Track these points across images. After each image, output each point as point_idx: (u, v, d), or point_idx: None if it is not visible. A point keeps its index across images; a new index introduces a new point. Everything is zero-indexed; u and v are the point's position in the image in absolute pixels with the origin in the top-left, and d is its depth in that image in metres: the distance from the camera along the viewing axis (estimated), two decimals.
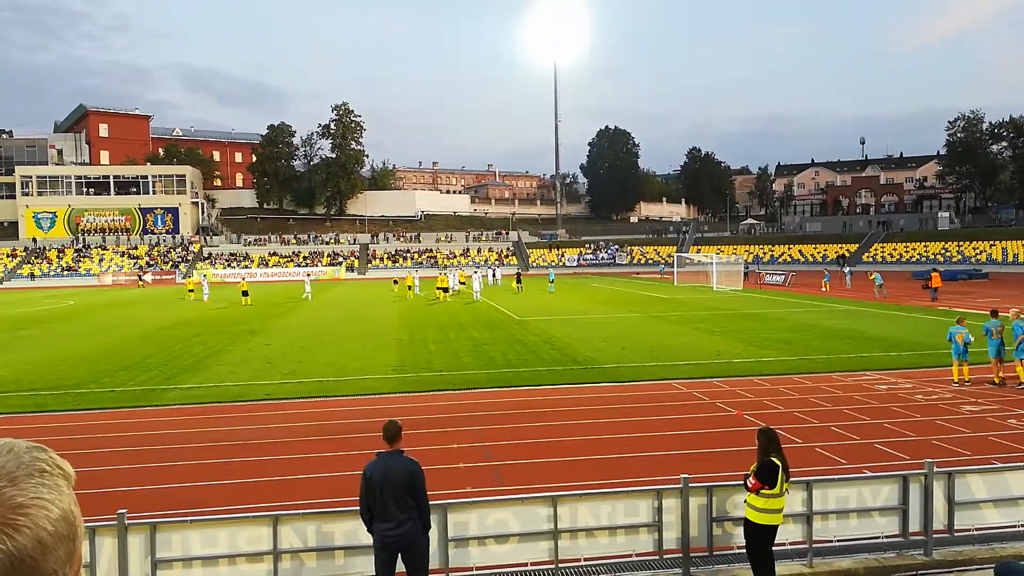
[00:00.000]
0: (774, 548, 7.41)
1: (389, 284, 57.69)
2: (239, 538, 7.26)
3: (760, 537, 7.26)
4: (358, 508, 6.69)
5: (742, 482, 7.49)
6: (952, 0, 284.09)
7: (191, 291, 50.06)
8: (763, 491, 7.11)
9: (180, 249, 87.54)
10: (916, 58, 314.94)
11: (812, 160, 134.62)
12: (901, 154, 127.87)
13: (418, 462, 6.68)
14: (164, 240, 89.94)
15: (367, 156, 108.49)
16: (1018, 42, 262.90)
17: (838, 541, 8.08)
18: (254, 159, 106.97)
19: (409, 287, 48.90)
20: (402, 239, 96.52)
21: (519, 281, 53.82)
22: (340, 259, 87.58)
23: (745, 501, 7.42)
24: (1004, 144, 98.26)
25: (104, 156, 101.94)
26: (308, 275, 56.93)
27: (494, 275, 62.22)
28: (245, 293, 43.77)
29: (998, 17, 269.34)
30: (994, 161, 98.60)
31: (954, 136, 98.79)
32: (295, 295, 50.59)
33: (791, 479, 7.45)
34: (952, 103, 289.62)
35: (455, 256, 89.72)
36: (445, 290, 44.88)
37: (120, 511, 7.07)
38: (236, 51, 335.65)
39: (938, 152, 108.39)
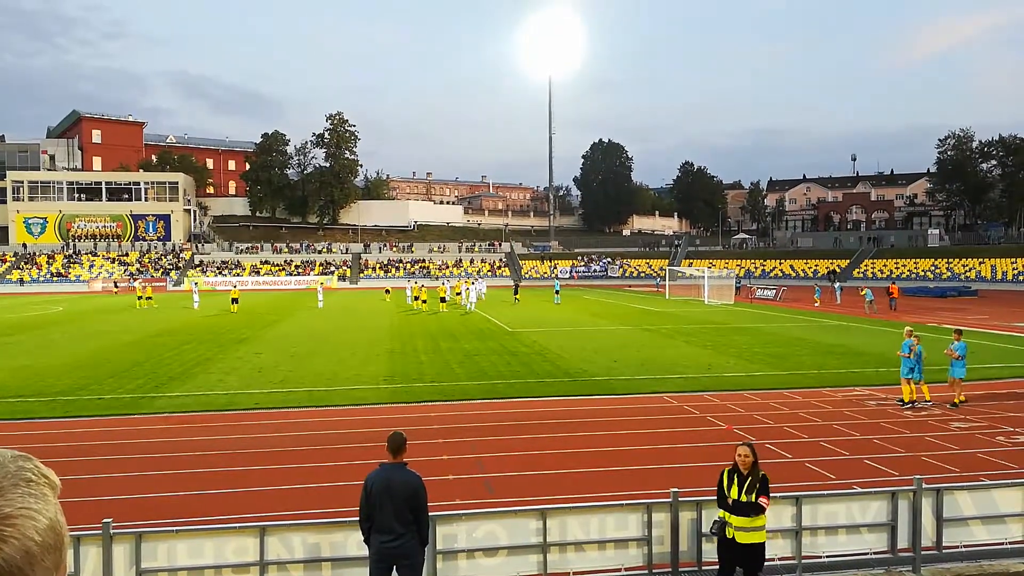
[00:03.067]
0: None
1: (381, 293, 57.60)
2: (226, 549, 7.20)
3: (758, 558, 7.13)
4: (346, 520, 6.66)
5: (726, 504, 7.07)
6: (943, 18, 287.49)
7: (140, 298, 48.58)
8: None
9: (171, 256, 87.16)
10: (907, 75, 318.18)
11: (804, 176, 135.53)
12: (892, 171, 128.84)
13: (421, 477, 6.64)
14: (155, 247, 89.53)
15: (361, 165, 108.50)
16: (1007, 61, 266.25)
17: (827, 557, 8.08)
18: (247, 167, 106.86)
19: (423, 300, 44.57)
20: (395, 249, 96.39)
21: (517, 292, 52.50)
22: (332, 268, 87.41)
23: (730, 524, 7.03)
24: (994, 163, 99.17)
25: (96, 162, 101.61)
26: (321, 285, 56.95)
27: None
28: (235, 300, 43.92)
29: (987, 36, 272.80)
30: (984, 179, 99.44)
31: (944, 154, 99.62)
32: (290, 305, 50.38)
33: (782, 495, 7.44)
34: (942, 121, 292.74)
35: (447, 267, 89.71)
36: (443, 299, 44.83)
37: (105, 520, 7.01)
38: (231, 59, 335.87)
39: (928, 169, 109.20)
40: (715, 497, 7.42)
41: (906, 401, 15.87)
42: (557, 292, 53.13)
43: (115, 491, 10.61)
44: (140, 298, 49.06)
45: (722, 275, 58.01)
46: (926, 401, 15.98)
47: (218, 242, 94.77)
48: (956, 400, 15.87)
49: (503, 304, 48.44)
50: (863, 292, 43.27)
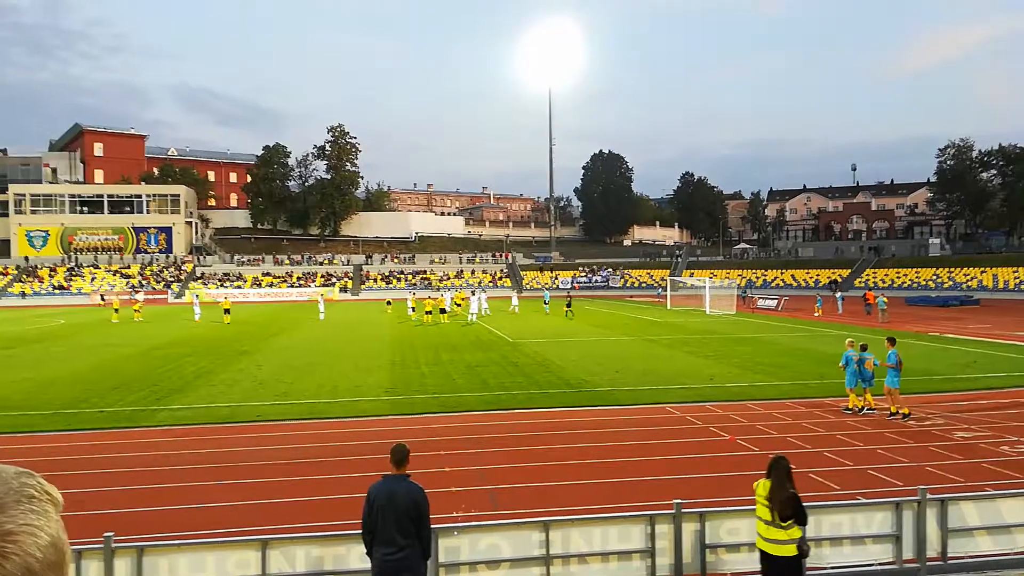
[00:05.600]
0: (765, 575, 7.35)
1: (382, 305, 57.60)
2: (227, 562, 7.17)
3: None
4: (348, 532, 6.63)
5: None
6: (942, 29, 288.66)
7: (117, 310, 47.57)
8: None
9: (173, 269, 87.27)
10: (907, 86, 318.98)
11: (804, 186, 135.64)
12: (892, 181, 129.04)
13: (423, 489, 6.62)
14: (157, 259, 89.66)
15: (362, 177, 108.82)
16: (1006, 71, 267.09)
17: (831, 568, 8.03)
18: (249, 179, 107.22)
19: (443, 310, 44.24)
20: (396, 260, 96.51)
21: (569, 305, 49.08)
22: (334, 280, 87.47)
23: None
24: (994, 172, 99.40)
25: (98, 175, 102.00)
26: (322, 296, 57.10)
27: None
28: (227, 311, 44.14)
29: (986, 46, 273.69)
30: (984, 188, 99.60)
31: (944, 163, 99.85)
32: (292, 317, 50.38)
33: None
34: (942, 130, 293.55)
35: (448, 278, 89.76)
36: (443, 311, 44.71)
37: (107, 534, 6.98)
38: (233, 72, 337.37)
39: (929, 179, 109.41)
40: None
41: (849, 408, 16.23)
42: (546, 303, 50.33)
43: (117, 504, 10.59)
44: (117, 310, 48.10)
45: (723, 285, 57.95)
46: (871, 409, 16.22)
47: (220, 254, 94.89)
48: (893, 409, 15.73)
49: (537, 315, 47.98)
50: (875, 300, 43.68)
